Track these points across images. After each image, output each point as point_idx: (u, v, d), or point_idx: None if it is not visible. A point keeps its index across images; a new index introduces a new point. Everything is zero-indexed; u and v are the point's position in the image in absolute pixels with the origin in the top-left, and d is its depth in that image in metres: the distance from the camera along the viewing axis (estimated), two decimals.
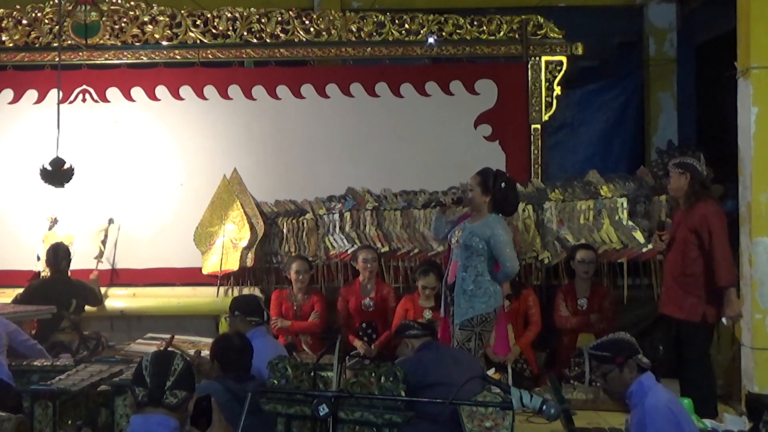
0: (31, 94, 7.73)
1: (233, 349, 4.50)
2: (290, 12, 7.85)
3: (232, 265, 7.27)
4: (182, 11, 7.81)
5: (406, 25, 7.78)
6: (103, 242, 7.45)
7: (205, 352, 5.42)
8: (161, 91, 7.76)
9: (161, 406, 2.94)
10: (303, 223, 7.40)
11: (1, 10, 7.81)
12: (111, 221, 7.52)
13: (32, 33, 7.79)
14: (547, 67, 7.69)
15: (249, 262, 7.30)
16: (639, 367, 3.88)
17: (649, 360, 3.90)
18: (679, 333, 5.67)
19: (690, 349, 5.60)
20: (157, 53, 7.79)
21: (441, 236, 5.85)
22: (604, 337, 4.14)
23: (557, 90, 7.69)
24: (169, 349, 5.01)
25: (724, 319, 5.63)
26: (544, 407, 3.17)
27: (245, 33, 7.78)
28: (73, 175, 6.41)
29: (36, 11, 7.79)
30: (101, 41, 7.77)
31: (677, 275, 5.64)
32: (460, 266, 5.47)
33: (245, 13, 7.80)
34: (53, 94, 7.07)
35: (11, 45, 7.79)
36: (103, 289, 7.25)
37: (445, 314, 5.63)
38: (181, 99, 7.76)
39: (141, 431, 2.95)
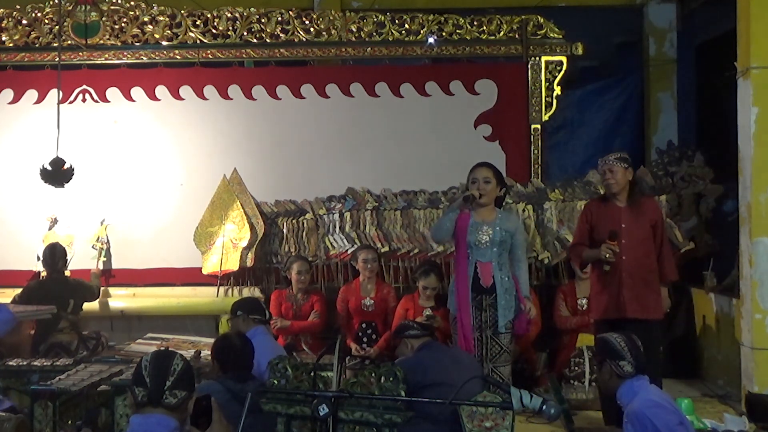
0: (31, 94, 7.73)
1: (233, 349, 4.50)
2: (290, 12, 7.85)
3: (232, 265, 7.27)
4: (182, 11, 7.81)
5: (406, 25, 7.78)
6: (102, 241, 7.45)
7: (206, 352, 5.43)
8: (161, 91, 7.76)
9: (161, 406, 2.94)
10: (303, 223, 7.41)
11: (1, 10, 7.81)
12: (103, 222, 7.52)
13: (32, 33, 7.80)
14: (547, 67, 7.69)
15: (249, 262, 7.30)
16: (614, 372, 3.87)
17: (633, 369, 3.88)
18: (637, 333, 5.42)
19: (656, 346, 5.41)
20: (157, 53, 7.79)
21: (447, 237, 5.51)
22: (604, 334, 4.15)
23: (557, 90, 7.69)
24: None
25: None
26: (544, 407, 3.18)
27: (245, 33, 7.78)
28: (73, 175, 6.42)
29: (36, 11, 7.80)
30: (101, 41, 7.77)
31: (642, 273, 5.45)
32: (494, 266, 5.33)
33: (245, 13, 7.80)
34: (53, 94, 7.07)
35: (11, 45, 7.79)
36: (102, 289, 7.26)
37: (466, 323, 5.33)
38: (181, 99, 7.76)
39: (141, 431, 2.95)
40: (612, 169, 5.51)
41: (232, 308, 5.39)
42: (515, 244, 5.43)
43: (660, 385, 5.35)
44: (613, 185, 5.53)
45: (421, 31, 7.78)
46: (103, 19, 7.74)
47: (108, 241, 7.49)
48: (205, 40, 7.79)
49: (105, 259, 7.44)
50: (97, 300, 7.13)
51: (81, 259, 7.36)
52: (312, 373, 3.86)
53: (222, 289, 7.29)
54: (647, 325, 5.35)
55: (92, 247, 7.44)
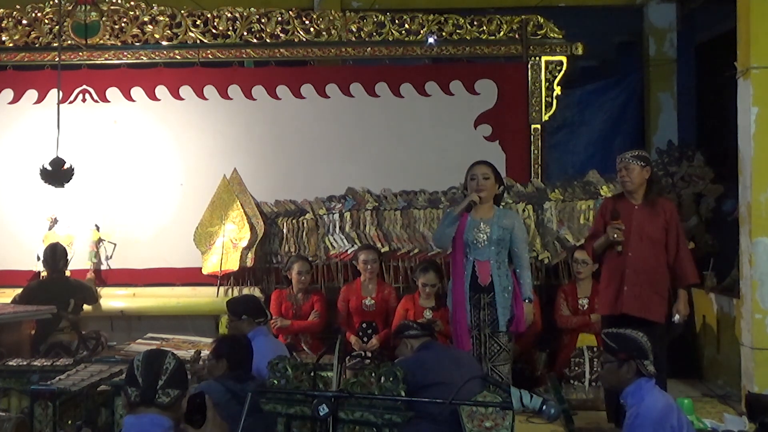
0: (31, 94, 7.73)
1: (243, 348, 4.52)
2: (290, 12, 7.85)
3: (232, 265, 7.26)
4: (182, 11, 7.81)
5: (406, 25, 7.78)
6: (97, 246, 7.45)
7: (205, 352, 5.42)
8: (161, 91, 7.76)
9: (154, 405, 2.94)
10: (303, 223, 7.40)
11: (1, 10, 7.81)
12: (97, 227, 7.50)
13: (32, 33, 7.80)
14: (547, 67, 7.68)
15: (249, 262, 7.29)
16: (638, 371, 3.87)
17: (655, 370, 3.88)
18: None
19: (659, 351, 5.40)
20: (157, 53, 7.79)
21: (449, 243, 5.47)
22: (622, 329, 4.14)
23: (557, 90, 7.68)
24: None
25: (677, 317, 5.49)
26: (544, 407, 3.18)
27: (245, 33, 7.78)
28: (73, 175, 6.41)
29: (36, 11, 7.80)
30: (101, 41, 7.77)
31: (647, 272, 5.42)
32: (493, 264, 5.36)
33: (245, 13, 7.80)
34: (53, 94, 7.07)
35: (11, 45, 7.79)
36: (102, 290, 7.27)
37: (461, 320, 5.36)
38: (181, 99, 7.75)
39: (135, 431, 2.94)
40: (628, 167, 5.47)
41: (233, 310, 5.37)
42: (515, 241, 5.44)
43: (665, 387, 5.36)
44: (627, 183, 5.50)
45: (421, 31, 7.78)
46: (103, 19, 7.74)
47: (101, 243, 7.48)
48: (205, 40, 7.79)
49: (95, 260, 7.42)
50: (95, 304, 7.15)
51: (81, 259, 7.36)
52: (312, 373, 3.85)
53: (222, 289, 7.28)
54: (650, 327, 5.27)
55: (91, 259, 7.41)
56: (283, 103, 7.76)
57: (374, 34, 7.79)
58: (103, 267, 7.51)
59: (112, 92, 7.74)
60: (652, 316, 5.40)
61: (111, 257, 7.50)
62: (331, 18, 7.82)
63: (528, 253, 5.60)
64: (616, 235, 5.39)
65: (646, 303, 5.41)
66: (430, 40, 7.73)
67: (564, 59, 7.69)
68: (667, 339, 5.68)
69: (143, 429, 2.93)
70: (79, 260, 7.32)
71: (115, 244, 7.50)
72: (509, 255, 5.49)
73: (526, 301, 5.42)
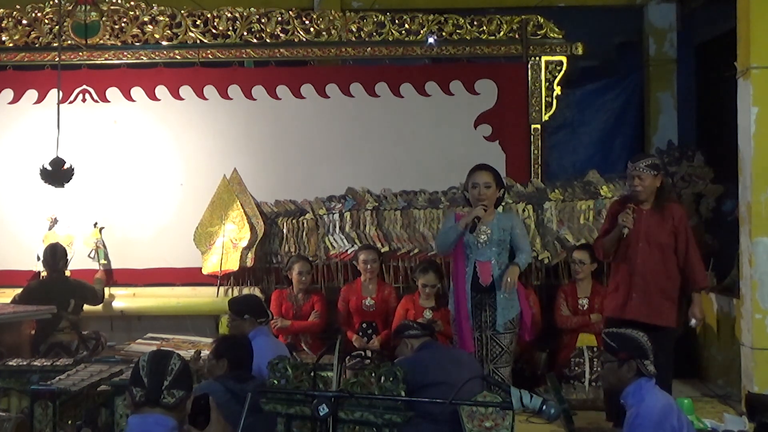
0: (31, 94, 7.73)
1: (244, 347, 4.52)
2: (290, 12, 7.85)
3: (232, 265, 7.27)
4: (182, 11, 7.81)
5: (406, 25, 7.78)
6: (99, 245, 7.44)
7: (205, 352, 5.43)
8: (161, 91, 7.76)
9: (159, 405, 2.95)
10: (303, 223, 7.40)
11: (1, 10, 7.81)
12: (96, 225, 7.48)
13: (32, 33, 7.80)
14: (547, 67, 7.68)
15: (249, 262, 7.30)
16: (639, 370, 3.87)
17: (654, 369, 3.89)
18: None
19: (665, 353, 5.27)
20: (157, 53, 7.79)
21: (450, 251, 5.54)
22: (623, 329, 4.13)
23: (557, 90, 7.68)
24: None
25: (693, 321, 5.49)
26: (544, 407, 3.18)
27: (245, 33, 7.78)
28: (73, 175, 6.42)
29: (36, 11, 7.79)
30: (101, 41, 7.77)
31: (658, 279, 5.39)
32: (494, 265, 5.41)
33: (245, 13, 7.80)
34: (53, 94, 7.07)
35: (11, 45, 7.79)
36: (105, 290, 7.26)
37: (464, 321, 5.40)
38: (181, 99, 7.75)
39: (139, 431, 2.95)
40: (641, 176, 5.40)
41: (235, 309, 5.37)
42: (515, 236, 5.49)
43: (670, 391, 5.35)
44: (640, 192, 5.43)
45: (421, 31, 7.78)
46: (103, 19, 7.74)
47: (104, 244, 7.47)
48: (205, 40, 7.79)
49: (105, 261, 7.42)
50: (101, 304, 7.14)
51: (81, 259, 7.36)
52: (312, 373, 3.85)
53: (222, 289, 7.29)
54: (657, 331, 5.19)
55: (88, 255, 7.40)
56: (283, 103, 7.76)
57: (374, 34, 7.79)
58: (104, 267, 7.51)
59: (112, 92, 7.74)
60: (662, 321, 5.37)
61: (107, 260, 7.49)
62: (331, 18, 7.81)
63: (529, 247, 5.66)
64: (624, 219, 5.34)
65: (655, 308, 5.38)
66: (430, 40, 7.73)
67: (564, 59, 7.69)
68: (673, 342, 5.67)
69: (147, 429, 2.93)
70: (79, 260, 7.32)
71: (104, 247, 7.46)
72: (511, 251, 5.53)
73: (514, 263, 5.41)
